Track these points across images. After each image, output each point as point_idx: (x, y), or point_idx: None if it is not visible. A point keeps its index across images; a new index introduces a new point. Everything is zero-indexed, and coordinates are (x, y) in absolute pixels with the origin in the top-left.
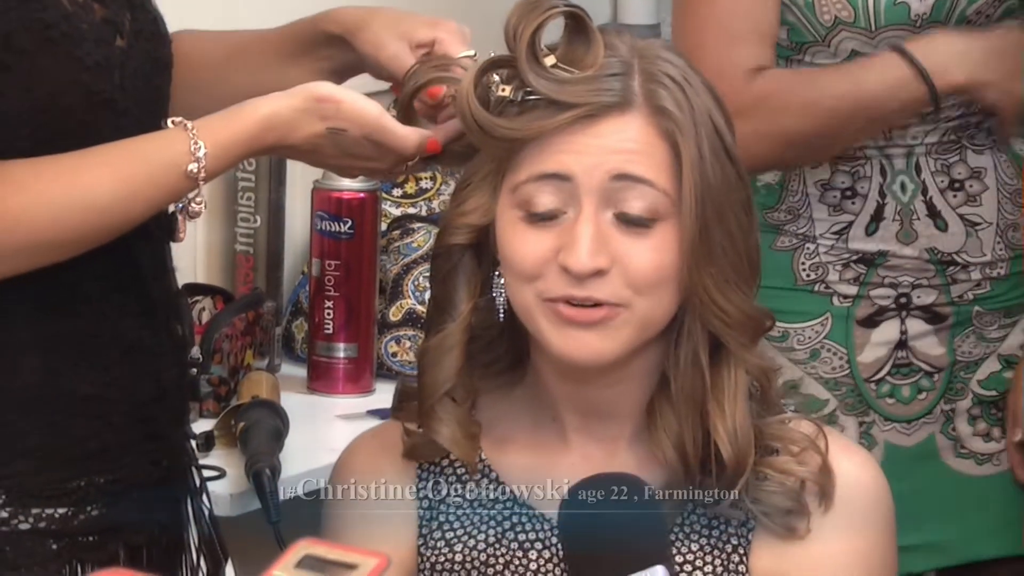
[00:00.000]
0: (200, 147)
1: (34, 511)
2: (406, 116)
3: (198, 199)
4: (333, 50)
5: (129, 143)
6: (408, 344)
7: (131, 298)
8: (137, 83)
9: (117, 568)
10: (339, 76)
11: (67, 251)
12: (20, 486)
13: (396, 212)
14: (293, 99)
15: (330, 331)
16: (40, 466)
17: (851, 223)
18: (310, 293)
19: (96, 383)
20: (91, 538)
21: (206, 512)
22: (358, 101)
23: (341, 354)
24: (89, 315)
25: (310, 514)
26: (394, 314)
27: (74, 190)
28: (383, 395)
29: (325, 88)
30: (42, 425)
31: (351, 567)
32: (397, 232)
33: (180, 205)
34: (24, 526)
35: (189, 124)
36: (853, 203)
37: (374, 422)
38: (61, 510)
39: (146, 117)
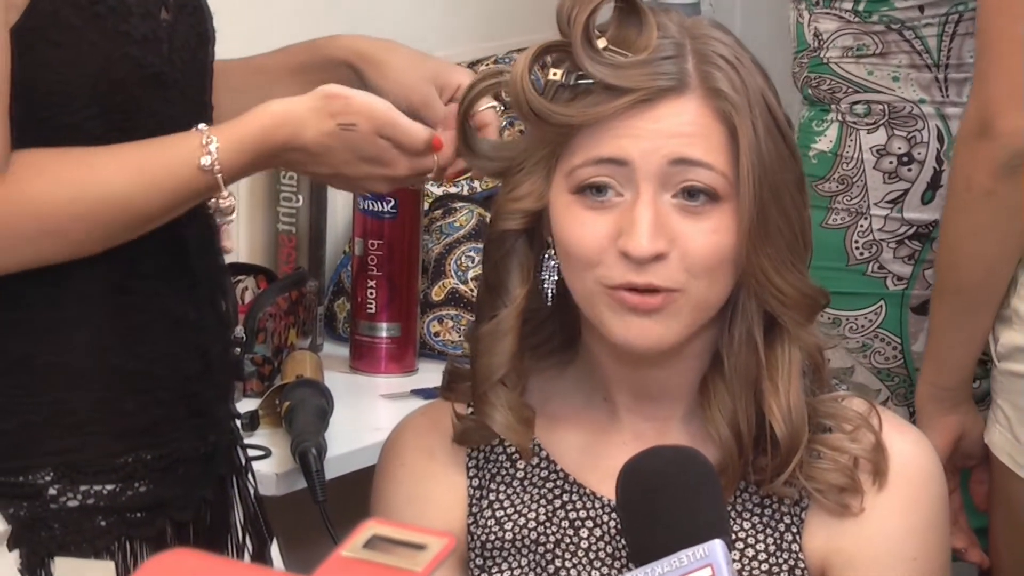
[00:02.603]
0: (212, 141)
1: (82, 488)
2: (464, 133)
3: (224, 195)
4: (327, 75)
5: (146, 141)
6: (451, 324)
7: (177, 274)
8: (184, 56)
9: (179, 548)
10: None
11: (89, 242)
12: (68, 463)
13: (438, 191)
14: (304, 98)
15: (373, 310)
16: (88, 442)
17: (907, 191)
18: (353, 272)
19: (144, 358)
20: (139, 514)
21: (251, 491)
22: (368, 97)
23: (384, 334)
24: (137, 291)
25: (356, 493)
26: (436, 294)
27: (91, 178)
28: (426, 374)
29: (334, 87)
30: (91, 401)
31: (419, 547)
32: (439, 211)
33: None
34: (73, 503)
35: (203, 125)
36: (909, 170)
37: (418, 401)
38: (109, 486)
39: (192, 90)
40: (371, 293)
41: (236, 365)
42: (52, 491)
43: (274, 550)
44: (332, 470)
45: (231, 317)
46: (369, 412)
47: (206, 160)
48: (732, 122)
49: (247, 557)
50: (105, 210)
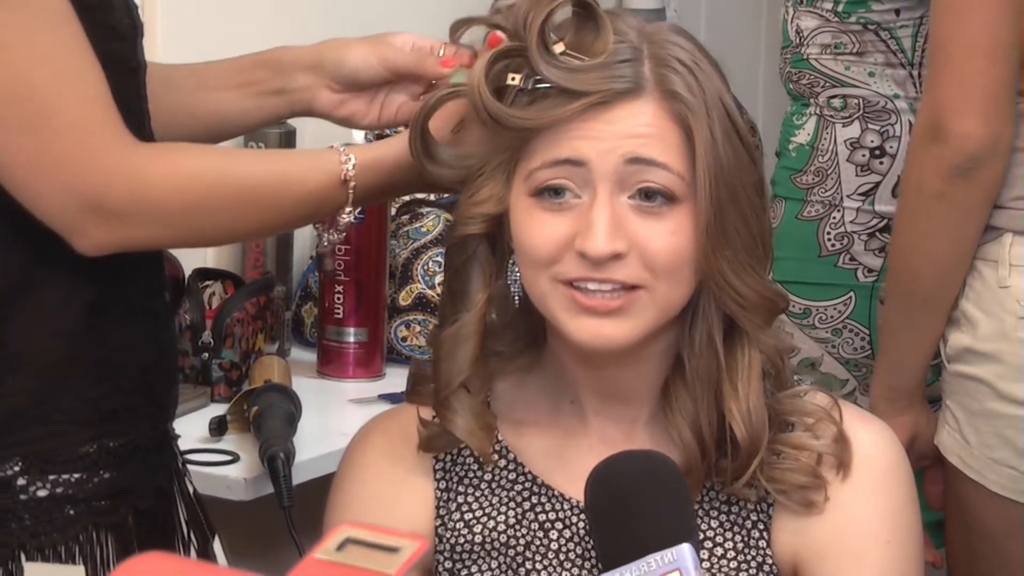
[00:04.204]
0: (351, 159)
1: (50, 477)
2: (423, 139)
3: (347, 209)
4: (274, 76)
5: (285, 151)
6: (418, 328)
7: (134, 261)
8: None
9: (157, 551)
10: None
11: (239, 226)
12: (37, 452)
13: (405, 196)
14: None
15: (340, 316)
16: (54, 431)
17: (878, 184)
18: (320, 278)
19: (106, 346)
20: (103, 502)
21: (190, 488)
22: None
23: (351, 339)
24: (99, 278)
25: (324, 498)
26: (404, 298)
27: (234, 166)
28: (393, 379)
29: None
30: (56, 390)
31: (393, 550)
32: (406, 217)
33: (320, 235)
34: (42, 492)
35: (339, 143)
36: (881, 163)
37: (386, 406)
38: (76, 475)
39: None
40: (338, 298)
41: (205, 370)
42: (21, 481)
43: (216, 547)
44: (300, 475)
45: (174, 307)
46: (337, 417)
47: (348, 165)
48: (688, 124)
49: (192, 552)
50: (246, 197)
